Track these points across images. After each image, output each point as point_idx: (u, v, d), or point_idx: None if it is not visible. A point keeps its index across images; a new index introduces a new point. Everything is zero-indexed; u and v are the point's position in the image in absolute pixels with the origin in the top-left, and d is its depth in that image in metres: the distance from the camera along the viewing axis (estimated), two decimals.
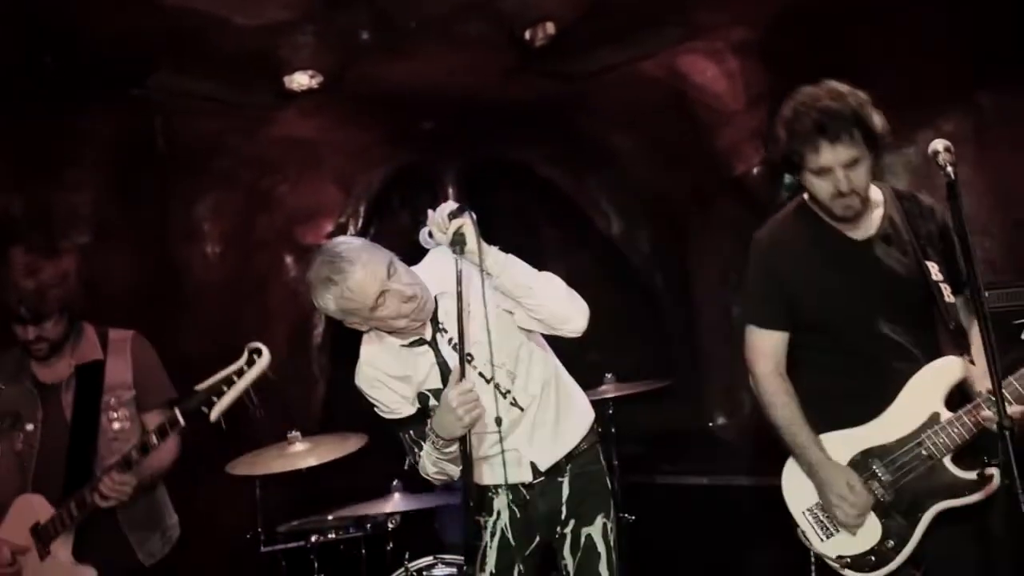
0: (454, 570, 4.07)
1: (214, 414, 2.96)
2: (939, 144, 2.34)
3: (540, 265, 2.77)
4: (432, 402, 2.76)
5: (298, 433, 4.17)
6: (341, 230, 6.83)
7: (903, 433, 2.64)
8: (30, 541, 3.21)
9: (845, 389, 2.72)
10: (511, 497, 2.87)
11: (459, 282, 2.52)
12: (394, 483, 4.25)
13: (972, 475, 2.57)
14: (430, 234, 2.62)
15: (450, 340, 2.74)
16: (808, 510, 2.74)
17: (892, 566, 2.61)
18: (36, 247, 3.22)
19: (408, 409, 2.83)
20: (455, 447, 2.60)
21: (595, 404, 3.14)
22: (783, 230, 2.84)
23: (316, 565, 4.23)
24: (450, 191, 7.11)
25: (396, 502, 4.18)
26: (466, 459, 2.54)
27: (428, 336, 2.78)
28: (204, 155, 5.64)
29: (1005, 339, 3.49)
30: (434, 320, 2.77)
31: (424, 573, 4.12)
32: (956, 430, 2.56)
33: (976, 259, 2.35)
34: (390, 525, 4.20)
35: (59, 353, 3.31)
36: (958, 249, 2.63)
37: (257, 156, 5.97)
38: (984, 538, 2.59)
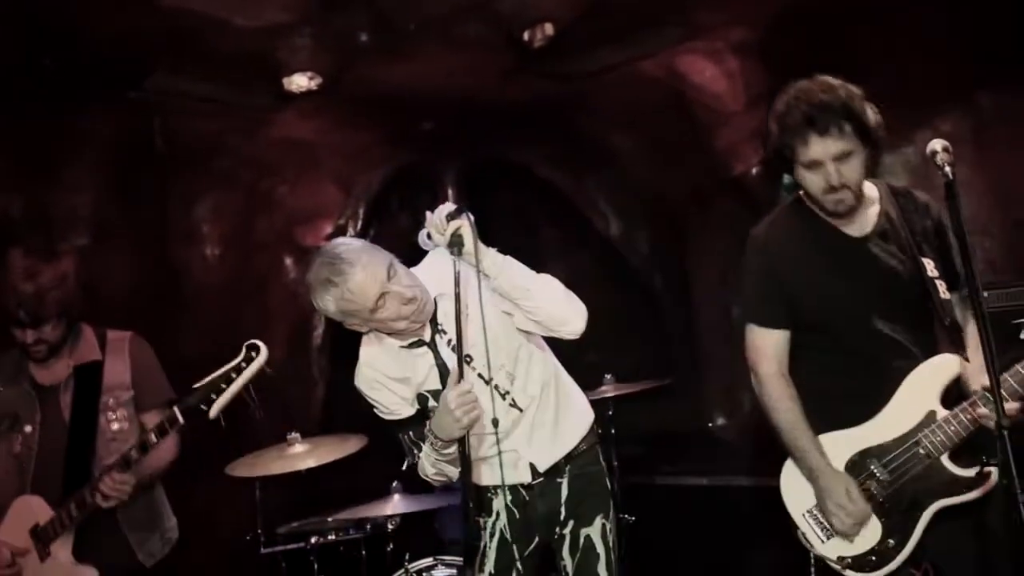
0: (454, 571, 4.07)
1: (213, 411, 2.97)
2: (937, 144, 2.33)
3: (539, 265, 2.77)
4: (431, 403, 2.76)
5: (298, 434, 4.17)
6: (340, 231, 6.83)
7: (900, 432, 2.63)
8: (29, 542, 3.21)
9: (844, 388, 2.71)
10: (510, 498, 2.87)
11: (457, 283, 2.52)
12: (394, 484, 4.24)
13: (970, 472, 2.56)
14: (428, 236, 2.62)
15: (449, 342, 2.74)
16: (808, 512, 2.73)
17: (893, 565, 2.61)
18: (35, 249, 3.22)
19: (407, 410, 2.83)
20: (454, 448, 2.60)
21: (594, 404, 3.13)
22: (780, 228, 2.83)
23: (316, 567, 4.23)
24: (449, 192, 7.12)
25: (396, 503, 4.18)
26: (465, 460, 2.54)
27: (427, 338, 2.78)
28: (203, 156, 5.65)
29: (1004, 339, 3.49)
30: (433, 321, 2.77)
31: (424, 574, 4.11)
32: (953, 428, 2.56)
33: (975, 259, 2.34)
34: (390, 526, 4.20)
35: (57, 355, 3.31)
36: (955, 249, 2.63)
37: (256, 157, 5.97)
38: (984, 533, 2.59)
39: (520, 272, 2.69)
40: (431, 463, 2.75)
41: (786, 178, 2.75)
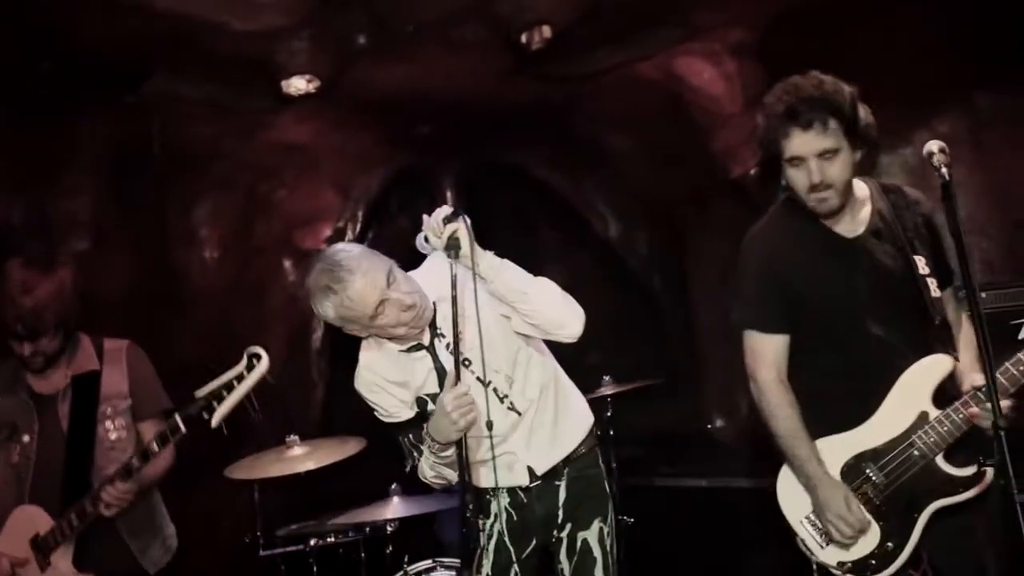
0: (453, 573, 4.06)
1: (215, 420, 2.95)
2: (934, 145, 2.32)
3: (538, 267, 2.77)
4: (430, 406, 2.75)
5: (297, 437, 4.17)
6: (339, 234, 6.84)
7: (894, 434, 2.63)
8: (30, 553, 3.19)
9: (839, 390, 2.70)
10: (508, 500, 2.87)
11: (454, 286, 2.52)
12: (393, 487, 4.24)
13: (965, 472, 2.56)
14: (426, 239, 2.62)
15: (448, 345, 2.74)
16: (806, 518, 2.72)
17: (893, 568, 2.61)
18: (33, 262, 3.20)
19: (407, 413, 2.83)
20: (452, 451, 2.60)
21: (592, 405, 3.13)
22: (773, 229, 2.80)
23: (315, 569, 4.23)
24: (448, 194, 7.12)
25: (395, 506, 4.17)
26: (462, 463, 2.54)
27: (426, 341, 2.78)
28: (202, 160, 5.65)
29: (1003, 339, 3.48)
30: (432, 326, 2.78)
31: None
32: (946, 428, 2.55)
33: (972, 260, 2.34)
34: (389, 529, 4.20)
35: (55, 365, 3.30)
36: (951, 249, 2.62)
37: (255, 161, 5.97)
38: (981, 532, 2.59)
39: (517, 275, 2.69)
40: (430, 466, 2.76)
41: (784, 179, 2.73)
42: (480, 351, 2.65)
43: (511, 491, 2.87)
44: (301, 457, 4.08)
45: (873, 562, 2.62)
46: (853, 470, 2.66)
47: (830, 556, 2.68)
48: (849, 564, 2.65)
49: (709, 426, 6.52)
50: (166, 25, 4.34)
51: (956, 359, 2.64)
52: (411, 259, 2.84)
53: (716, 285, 6.32)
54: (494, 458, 2.78)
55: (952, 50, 4.79)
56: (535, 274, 2.76)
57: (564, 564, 2.87)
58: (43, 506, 3.22)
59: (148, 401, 3.41)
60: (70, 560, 3.17)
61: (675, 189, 6.60)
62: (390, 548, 4.20)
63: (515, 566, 2.85)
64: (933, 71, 4.83)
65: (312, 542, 4.25)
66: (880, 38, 4.90)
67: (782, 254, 2.74)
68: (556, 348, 2.94)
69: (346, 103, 5.57)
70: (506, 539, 2.85)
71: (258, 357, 2.98)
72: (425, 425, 2.70)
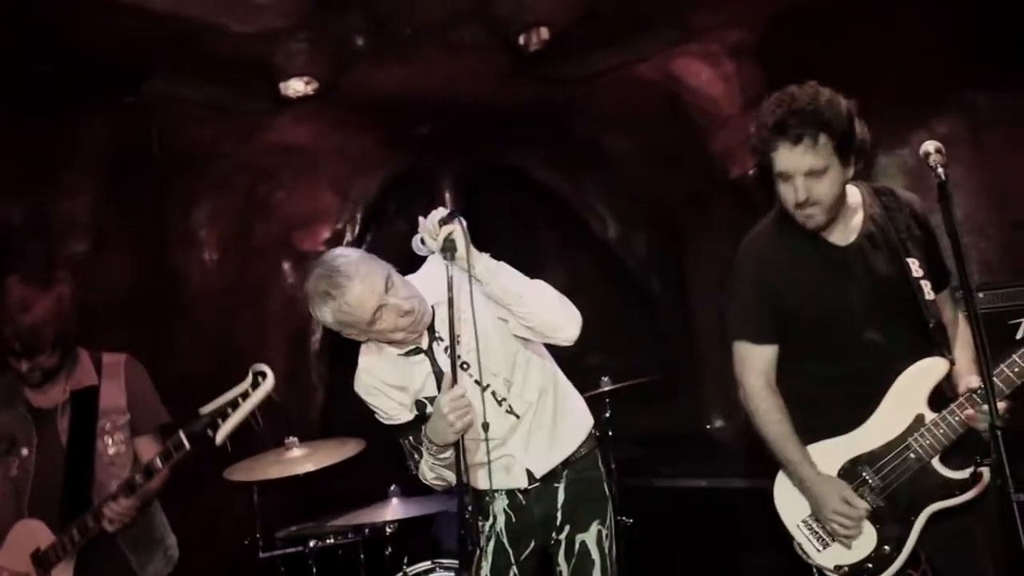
0: (451, 575, 4.07)
1: (219, 437, 2.95)
2: (930, 145, 2.32)
3: (538, 268, 2.77)
4: (429, 409, 2.75)
5: (296, 439, 4.17)
6: (338, 236, 6.84)
7: (890, 438, 2.63)
8: (30, 567, 3.18)
9: (836, 395, 2.70)
10: (507, 502, 2.88)
11: (450, 288, 2.52)
12: (392, 488, 4.24)
13: (962, 474, 2.56)
14: (422, 240, 2.62)
15: (446, 348, 2.73)
16: (803, 522, 2.73)
17: (891, 571, 2.61)
18: (32, 278, 3.19)
19: (407, 415, 2.84)
20: (450, 453, 2.60)
21: (591, 404, 3.13)
22: (766, 239, 2.80)
23: (314, 570, 4.23)
24: (447, 196, 7.13)
25: (394, 507, 4.17)
26: (459, 465, 2.54)
27: (424, 345, 2.78)
28: (201, 161, 5.65)
29: (1000, 339, 3.49)
30: (431, 329, 2.78)
31: None
32: (942, 431, 2.56)
33: (969, 260, 2.34)
34: (388, 530, 4.19)
35: (54, 379, 3.29)
36: (942, 249, 2.63)
37: (254, 162, 5.98)
38: (979, 533, 2.59)
39: (513, 278, 2.68)
40: (430, 468, 2.76)
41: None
42: (477, 354, 2.64)
43: (510, 493, 2.88)
44: (300, 459, 4.08)
45: (870, 566, 2.62)
46: (849, 473, 2.66)
47: (827, 559, 2.68)
48: (846, 568, 2.65)
49: (708, 427, 6.53)
50: (165, 26, 4.34)
51: (952, 362, 2.64)
52: (410, 261, 2.85)
53: (715, 286, 6.31)
54: (492, 461, 2.79)
55: (952, 50, 4.79)
56: (534, 275, 2.76)
57: (563, 566, 2.87)
58: (42, 520, 3.21)
59: (146, 416, 3.40)
60: (71, 575, 3.17)
61: (674, 190, 6.61)
62: (389, 549, 4.20)
63: (514, 568, 2.85)
64: (933, 71, 4.83)
65: (311, 544, 4.25)
66: (880, 38, 4.90)
67: (774, 264, 2.74)
68: (555, 350, 2.94)
69: (345, 105, 5.58)
70: (505, 541, 2.86)
71: (263, 375, 2.98)
72: (424, 427, 2.70)
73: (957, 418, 2.52)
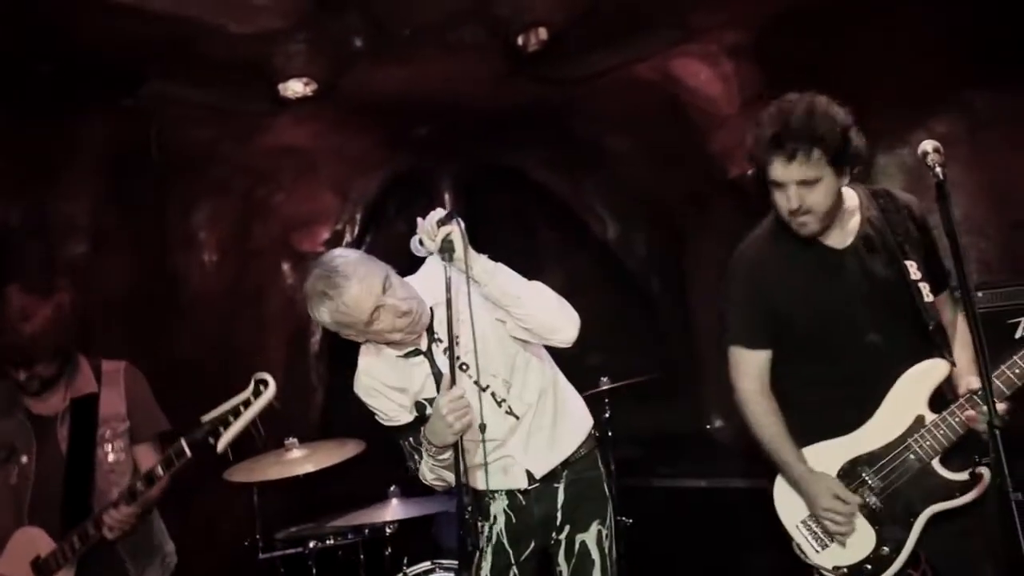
0: (451, 575, 4.07)
1: (221, 445, 2.96)
2: (928, 145, 2.33)
3: (537, 269, 2.77)
4: (429, 411, 2.75)
5: (295, 440, 4.17)
6: (337, 237, 6.84)
7: (890, 439, 2.64)
8: (31, 575, 3.19)
9: (835, 398, 2.71)
10: (507, 502, 2.88)
11: (448, 289, 2.52)
12: (392, 489, 4.24)
13: (962, 476, 2.57)
14: (420, 241, 2.62)
15: (445, 350, 2.74)
16: (802, 522, 2.74)
17: (890, 572, 2.61)
18: (33, 288, 3.18)
19: (406, 417, 2.84)
20: (449, 454, 2.60)
21: (590, 403, 3.14)
22: (763, 246, 2.82)
23: (314, 571, 4.23)
24: (446, 196, 7.13)
25: (394, 508, 4.17)
26: (458, 466, 2.54)
27: (423, 347, 2.79)
28: (200, 163, 5.65)
29: (999, 339, 3.49)
30: (430, 330, 2.78)
31: None
32: (942, 432, 2.56)
33: (967, 260, 2.34)
34: (388, 531, 4.20)
35: (53, 387, 3.28)
36: (940, 249, 2.63)
37: (252, 164, 5.98)
38: (978, 533, 2.59)
39: (511, 279, 2.68)
40: (429, 468, 2.77)
41: None
42: (475, 355, 2.65)
43: (510, 494, 2.88)
44: (300, 460, 4.08)
45: (868, 567, 2.63)
46: (849, 474, 2.67)
47: (825, 560, 2.69)
48: (845, 568, 2.66)
49: (708, 427, 6.52)
50: (164, 28, 4.34)
51: (953, 364, 2.65)
52: (409, 262, 2.85)
53: (715, 286, 6.25)
54: (488, 462, 2.79)
55: (952, 50, 4.79)
56: (534, 276, 2.76)
57: (563, 566, 2.88)
58: (42, 528, 3.21)
59: (146, 424, 3.40)
60: None
61: (673, 190, 6.61)
62: (389, 550, 4.20)
63: (514, 568, 2.85)
64: (932, 71, 4.83)
65: (311, 544, 4.25)
66: (875, 38, 4.90)
67: (769, 269, 2.77)
68: (555, 350, 2.94)
69: (344, 106, 5.58)
70: (505, 541, 2.86)
71: (265, 384, 2.98)
72: (423, 428, 2.70)
73: (957, 419, 2.53)
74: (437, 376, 2.76)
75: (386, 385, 2.81)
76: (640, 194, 6.92)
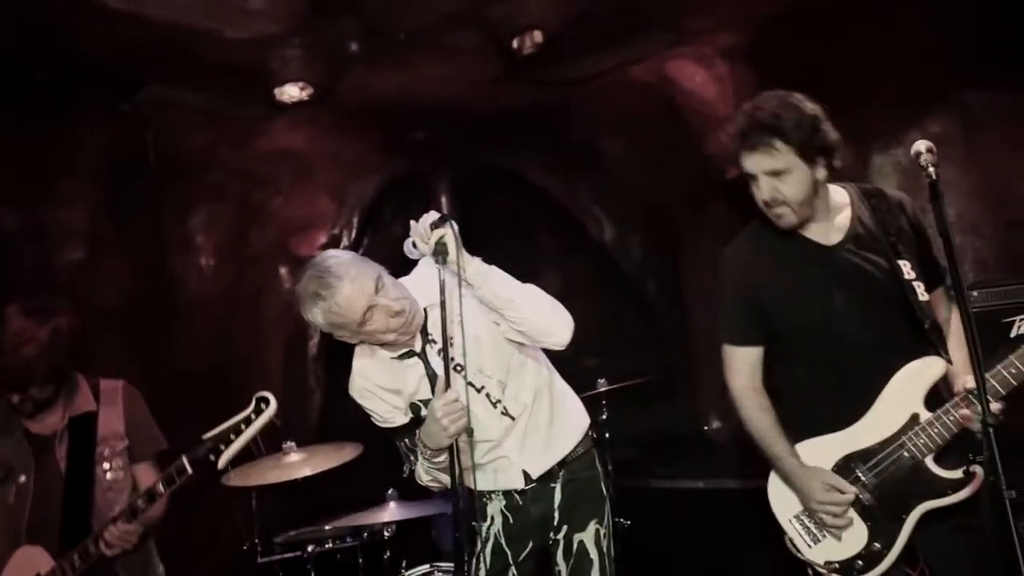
0: None
1: (222, 462, 2.97)
2: (921, 145, 2.35)
3: (534, 272, 2.78)
4: (424, 412, 2.76)
5: (293, 443, 4.17)
6: (335, 241, 6.84)
7: (884, 436, 2.64)
8: None
9: (827, 396, 2.72)
10: (504, 503, 2.89)
11: (442, 291, 2.53)
12: (390, 492, 4.25)
13: (955, 474, 2.58)
14: (414, 244, 2.63)
15: (439, 351, 2.74)
16: (795, 517, 2.75)
17: (881, 568, 2.62)
18: (32, 311, 3.17)
19: (402, 418, 2.85)
20: (445, 456, 2.61)
21: (588, 405, 3.14)
22: (751, 243, 2.85)
23: (313, 575, 4.23)
24: (443, 200, 7.13)
25: (392, 511, 4.18)
26: (453, 469, 2.54)
27: (417, 348, 2.79)
28: (196, 168, 5.66)
29: (994, 337, 3.49)
30: (424, 332, 2.79)
31: None
32: (936, 430, 2.57)
33: (964, 259, 2.36)
34: (386, 534, 4.20)
35: (50, 408, 3.26)
36: (935, 248, 2.64)
37: (249, 168, 5.99)
38: (973, 531, 2.60)
39: (504, 282, 2.69)
40: (425, 470, 2.77)
41: None
42: (471, 357, 2.65)
43: (507, 494, 2.88)
44: (298, 463, 4.08)
45: (860, 562, 2.64)
46: (843, 470, 2.68)
47: (817, 555, 2.70)
48: (836, 564, 2.66)
49: (705, 428, 6.53)
50: (159, 33, 4.35)
51: (949, 362, 2.65)
52: (406, 265, 2.86)
53: (711, 287, 6.27)
54: (488, 463, 2.80)
55: (943, 51, 4.79)
56: (531, 278, 2.76)
57: (561, 566, 2.88)
58: (40, 547, 3.19)
59: (144, 442, 3.39)
60: None
61: (669, 192, 6.62)
62: (387, 553, 4.21)
63: (512, 568, 2.86)
64: (931, 71, 4.83)
65: (310, 548, 4.25)
66: (870, 40, 4.90)
67: (757, 267, 2.80)
68: (551, 352, 2.95)
69: (340, 110, 5.59)
70: (503, 542, 2.86)
71: (266, 402, 3.00)
72: (418, 431, 2.71)
73: (952, 417, 2.54)
74: (431, 377, 2.77)
75: (380, 387, 2.82)
76: (636, 196, 6.93)
